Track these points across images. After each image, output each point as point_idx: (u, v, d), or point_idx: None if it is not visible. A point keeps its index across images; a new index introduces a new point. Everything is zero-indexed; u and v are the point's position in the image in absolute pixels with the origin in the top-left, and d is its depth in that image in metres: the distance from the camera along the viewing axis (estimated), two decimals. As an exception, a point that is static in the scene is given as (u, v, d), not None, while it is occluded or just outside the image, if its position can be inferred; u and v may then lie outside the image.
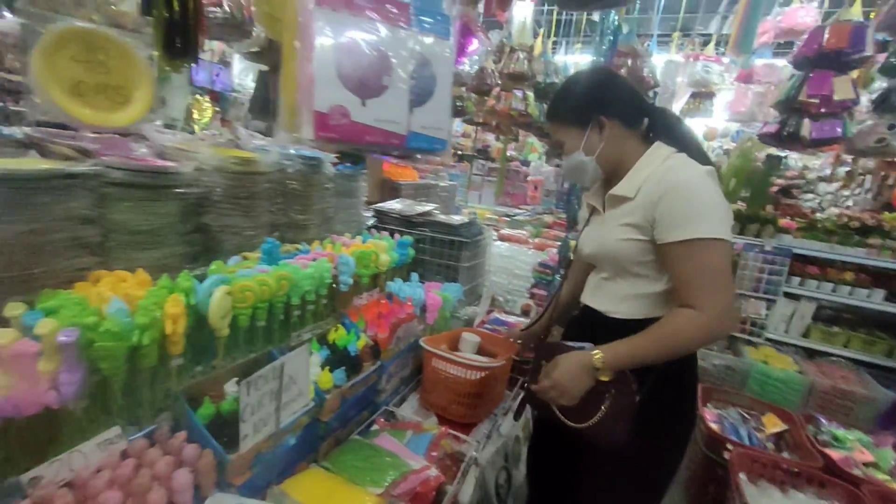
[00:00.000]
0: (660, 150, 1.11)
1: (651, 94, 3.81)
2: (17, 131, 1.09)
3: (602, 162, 1.14)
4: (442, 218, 2.07)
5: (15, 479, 0.75)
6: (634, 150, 1.12)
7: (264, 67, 2.41)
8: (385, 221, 2.09)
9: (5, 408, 0.72)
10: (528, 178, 6.14)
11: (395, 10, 0.95)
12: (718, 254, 0.96)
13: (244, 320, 1.15)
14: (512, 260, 2.89)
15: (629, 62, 2.74)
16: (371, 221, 2.10)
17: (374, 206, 2.15)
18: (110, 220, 1.07)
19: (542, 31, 4.19)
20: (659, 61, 5.00)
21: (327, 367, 1.19)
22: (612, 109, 1.11)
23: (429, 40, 1.01)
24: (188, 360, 1.04)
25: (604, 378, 1.02)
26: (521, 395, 1.48)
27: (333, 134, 0.93)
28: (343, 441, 1.26)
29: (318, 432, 1.17)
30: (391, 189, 3.10)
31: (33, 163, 0.97)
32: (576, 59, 5.43)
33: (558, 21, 5.13)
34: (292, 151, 1.64)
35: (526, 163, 8.24)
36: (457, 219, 2.09)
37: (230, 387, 1.05)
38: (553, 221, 3.99)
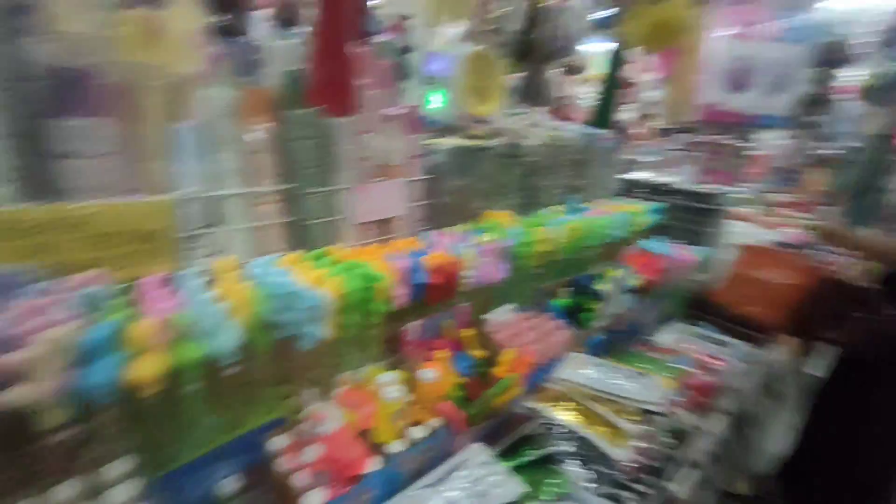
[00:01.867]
0: None
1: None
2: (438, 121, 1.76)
3: None
4: (687, 187, 2.28)
5: (481, 317, 1.38)
6: None
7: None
8: (633, 189, 2.41)
9: (486, 276, 1.33)
10: (747, 153, 5.52)
11: (765, 32, 1.27)
12: None
13: (567, 251, 1.65)
14: (743, 237, 2.89)
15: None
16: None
17: (621, 175, 2.48)
18: (493, 177, 1.67)
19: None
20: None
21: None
22: None
23: (787, 48, 1.31)
24: (542, 271, 1.59)
25: None
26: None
27: (710, 117, 1.32)
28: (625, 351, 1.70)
29: (613, 338, 1.63)
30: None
31: (466, 141, 1.60)
32: None
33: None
34: (574, 128, 2.08)
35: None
36: (702, 188, 2.28)
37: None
38: (788, 201, 3.69)
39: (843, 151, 4.41)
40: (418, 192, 1.48)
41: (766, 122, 1.44)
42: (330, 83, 0.91)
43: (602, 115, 2.55)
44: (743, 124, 1.43)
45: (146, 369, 0.71)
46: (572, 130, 2.01)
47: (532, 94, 2.88)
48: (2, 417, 0.59)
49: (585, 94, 4.34)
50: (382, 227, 1.41)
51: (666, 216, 2.25)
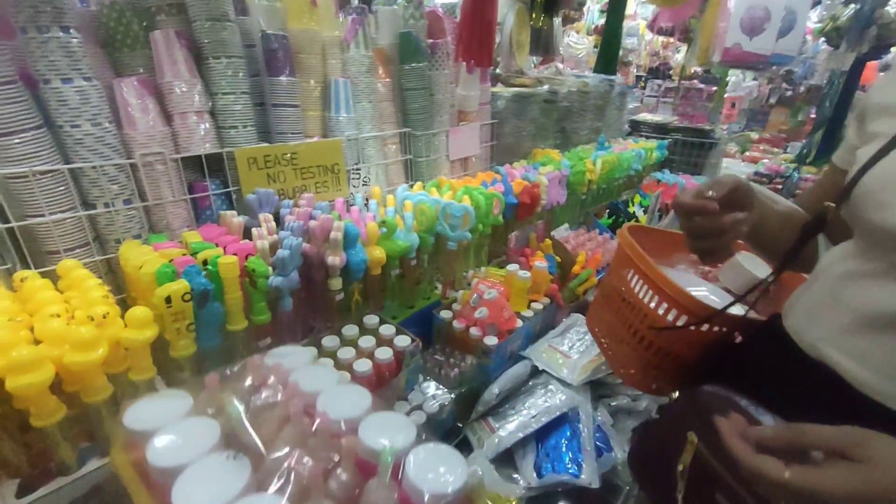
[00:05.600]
0: None
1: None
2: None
3: None
4: (688, 124, 2.63)
5: (550, 234, 1.71)
6: None
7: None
8: (639, 129, 2.74)
9: (553, 198, 1.64)
10: (725, 96, 5.95)
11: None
12: None
13: (601, 181, 1.99)
14: (725, 171, 3.30)
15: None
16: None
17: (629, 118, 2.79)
18: (538, 120, 1.96)
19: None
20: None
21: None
22: None
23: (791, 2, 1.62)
24: (586, 197, 1.92)
25: None
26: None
27: (730, 59, 1.63)
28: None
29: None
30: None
31: (519, 89, 1.87)
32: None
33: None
34: (591, 76, 2.37)
35: (709, 80, 7.73)
36: (702, 126, 2.64)
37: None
38: (759, 137, 4.15)
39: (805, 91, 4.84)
40: (486, 134, 1.76)
41: (778, 61, 1.77)
42: (476, 42, 1.18)
43: (609, 63, 2.84)
44: (760, 62, 1.75)
45: (375, 254, 1.00)
46: (593, 78, 2.29)
47: (543, 45, 3.13)
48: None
49: (577, 43, 4.60)
50: (464, 164, 1.69)
51: (668, 152, 2.62)
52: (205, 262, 0.77)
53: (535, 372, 1.17)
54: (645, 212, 2.04)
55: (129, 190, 0.84)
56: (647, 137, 2.62)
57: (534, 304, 1.29)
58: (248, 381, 0.43)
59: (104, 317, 0.63)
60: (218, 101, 0.95)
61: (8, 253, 0.76)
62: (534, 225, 1.61)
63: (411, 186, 1.36)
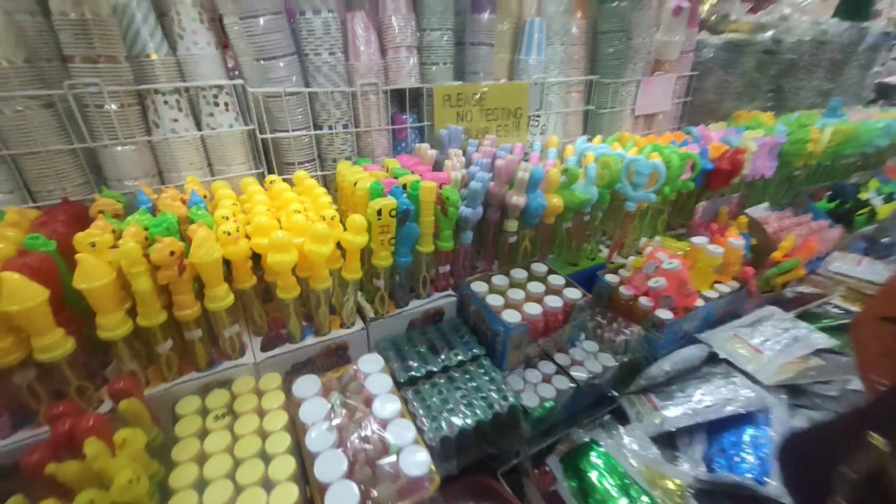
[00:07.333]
0: None
1: None
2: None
3: None
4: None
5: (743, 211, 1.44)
6: None
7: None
8: (889, 95, 2.10)
9: (758, 170, 1.37)
10: None
11: None
12: None
13: (825, 156, 1.58)
14: None
15: None
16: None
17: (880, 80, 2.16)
18: (749, 75, 1.63)
19: None
20: None
21: (892, 200, 1.53)
22: None
23: None
24: (801, 173, 1.57)
25: None
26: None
27: None
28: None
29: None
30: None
31: (735, 35, 1.57)
32: None
33: None
34: (832, 22, 1.86)
35: None
36: None
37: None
38: None
39: None
40: (680, 89, 1.54)
41: None
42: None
43: (860, 5, 2.20)
44: None
45: (553, 202, 0.96)
46: (836, 25, 1.80)
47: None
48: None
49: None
50: (648, 121, 1.51)
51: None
52: (404, 186, 0.83)
53: (711, 359, 1.03)
54: (886, 200, 1.58)
55: (347, 116, 0.95)
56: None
57: (719, 286, 1.12)
58: (345, 378, 0.76)
59: (332, 218, 0.72)
60: (426, 37, 0.99)
61: (261, 161, 0.93)
62: (726, 198, 1.37)
63: (590, 139, 1.27)
